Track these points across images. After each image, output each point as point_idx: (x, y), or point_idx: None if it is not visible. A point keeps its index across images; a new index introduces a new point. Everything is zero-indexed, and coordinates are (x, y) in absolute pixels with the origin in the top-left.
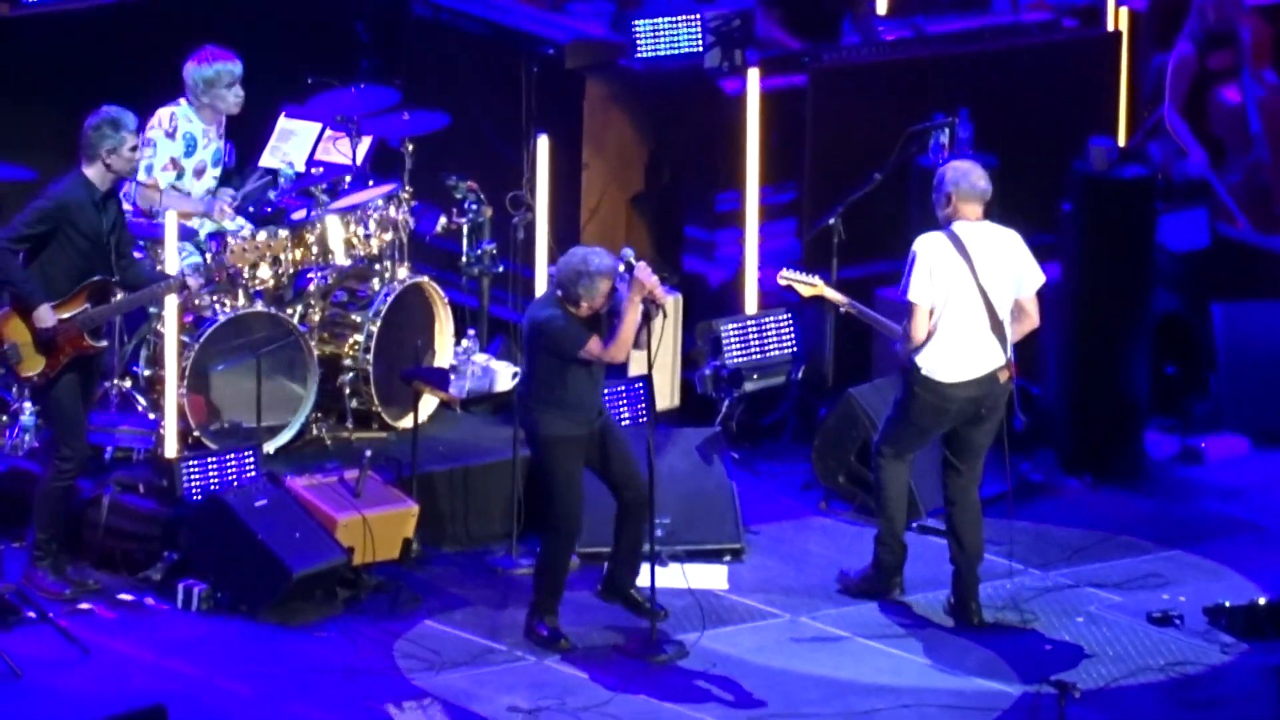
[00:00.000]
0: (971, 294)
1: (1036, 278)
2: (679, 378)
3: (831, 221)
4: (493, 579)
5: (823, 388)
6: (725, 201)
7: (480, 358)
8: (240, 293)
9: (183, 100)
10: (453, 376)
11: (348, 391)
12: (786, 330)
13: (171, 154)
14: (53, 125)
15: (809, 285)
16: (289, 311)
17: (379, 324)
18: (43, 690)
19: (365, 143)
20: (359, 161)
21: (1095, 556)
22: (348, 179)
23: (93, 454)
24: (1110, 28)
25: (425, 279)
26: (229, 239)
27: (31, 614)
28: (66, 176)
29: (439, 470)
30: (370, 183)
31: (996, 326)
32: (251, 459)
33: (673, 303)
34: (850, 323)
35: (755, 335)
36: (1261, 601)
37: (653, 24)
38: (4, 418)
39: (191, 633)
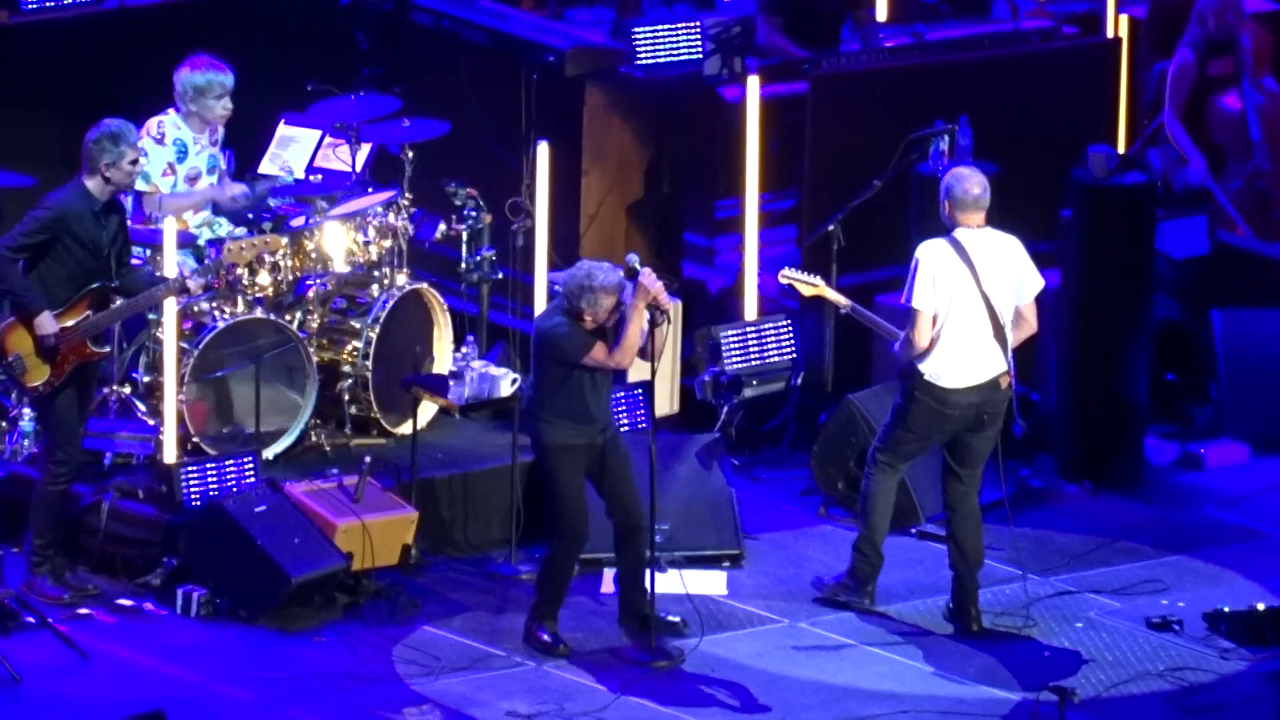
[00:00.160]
0: (974, 300)
1: (1036, 283)
2: (678, 384)
3: (831, 228)
4: (492, 585)
5: (822, 394)
6: (725, 208)
7: (479, 364)
8: (239, 299)
9: (171, 110)
10: (452, 383)
11: (347, 398)
12: (786, 336)
13: (167, 159)
14: (53, 133)
15: (810, 285)
16: (288, 318)
17: (378, 330)
18: (42, 696)
19: (365, 150)
20: (358, 168)
21: (1095, 562)
22: (347, 187)
23: (91, 460)
24: (1110, 35)
25: (424, 285)
26: (229, 241)
27: (31, 619)
28: (66, 186)
29: (438, 476)
30: (370, 189)
31: (998, 332)
32: (251, 465)
33: (672, 309)
34: (850, 328)
35: (755, 341)
36: (1261, 607)
37: (652, 31)
38: (3, 424)
39: (191, 638)
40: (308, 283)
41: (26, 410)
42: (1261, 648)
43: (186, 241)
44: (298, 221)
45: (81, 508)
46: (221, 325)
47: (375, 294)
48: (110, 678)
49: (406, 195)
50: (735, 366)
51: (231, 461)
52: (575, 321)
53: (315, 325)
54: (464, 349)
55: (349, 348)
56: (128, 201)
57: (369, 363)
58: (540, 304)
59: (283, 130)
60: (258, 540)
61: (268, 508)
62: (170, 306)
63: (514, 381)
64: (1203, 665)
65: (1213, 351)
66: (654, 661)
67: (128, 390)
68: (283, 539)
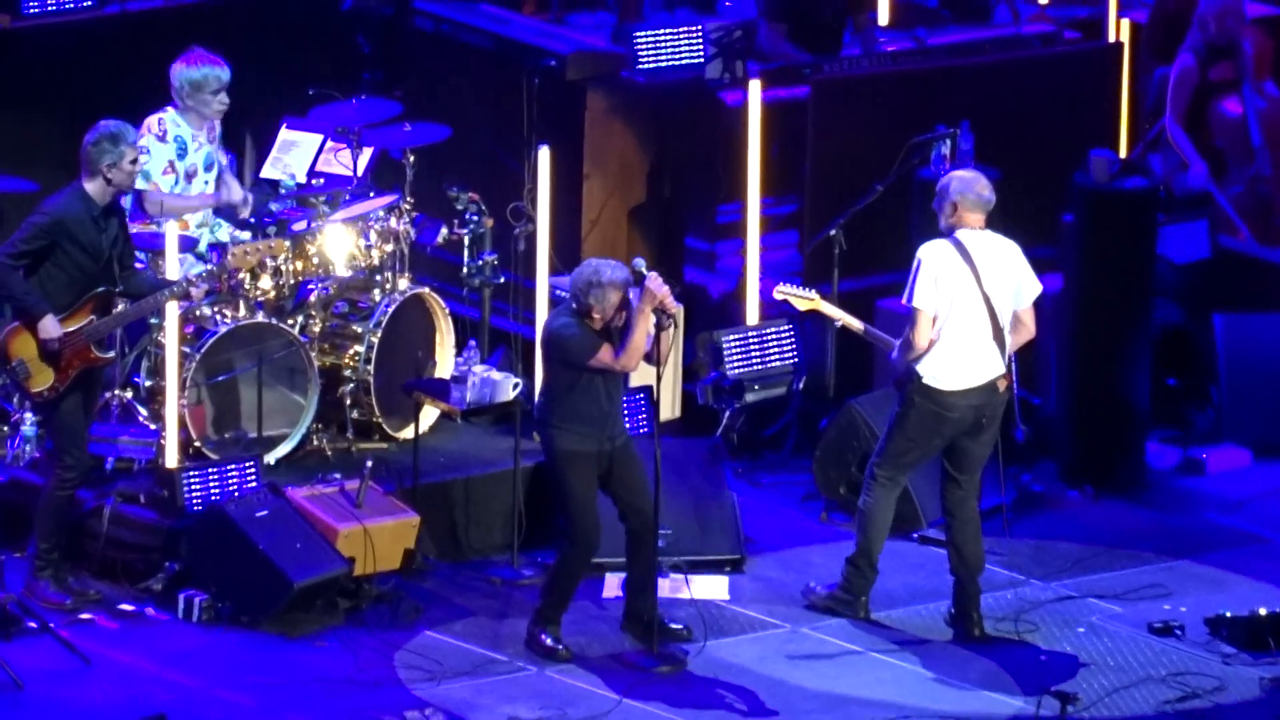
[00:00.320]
0: (975, 302)
1: (1034, 288)
2: (680, 389)
3: (833, 233)
4: (494, 589)
5: (824, 399)
6: (726, 213)
7: (481, 369)
8: (241, 304)
9: (169, 107)
10: (454, 387)
11: (349, 402)
12: (788, 341)
13: (168, 157)
14: (55, 138)
15: (805, 300)
16: (290, 322)
17: (380, 335)
18: (44, 701)
19: (366, 154)
20: (360, 173)
21: (1096, 567)
22: (348, 191)
23: (94, 464)
24: (1111, 40)
25: (426, 290)
26: (229, 246)
27: (33, 624)
28: (64, 191)
29: (440, 481)
30: (371, 194)
31: (998, 335)
32: (252, 469)
33: (678, 313)
34: (852, 334)
35: (756, 346)
36: (1263, 612)
37: (654, 36)
38: (5, 428)
39: (192, 643)
40: (309, 287)
41: (28, 415)
42: (1263, 653)
43: (187, 245)
44: (299, 225)
45: (83, 512)
46: (223, 330)
47: (377, 298)
48: (112, 683)
49: (408, 199)
50: (737, 371)
51: (233, 466)
52: (583, 323)
53: (317, 329)
54: (466, 353)
55: (351, 352)
56: (127, 202)
57: (371, 367)
58: (542, 309)
59: (285, 134)
60: (259, 545)
61: (269, 512)
62: (172, 311)
63: (516, 386)
64: (1204, 670)
65: (1214, 356)
66: (657, 667)
67: (129, 395)
68: (284, 544)
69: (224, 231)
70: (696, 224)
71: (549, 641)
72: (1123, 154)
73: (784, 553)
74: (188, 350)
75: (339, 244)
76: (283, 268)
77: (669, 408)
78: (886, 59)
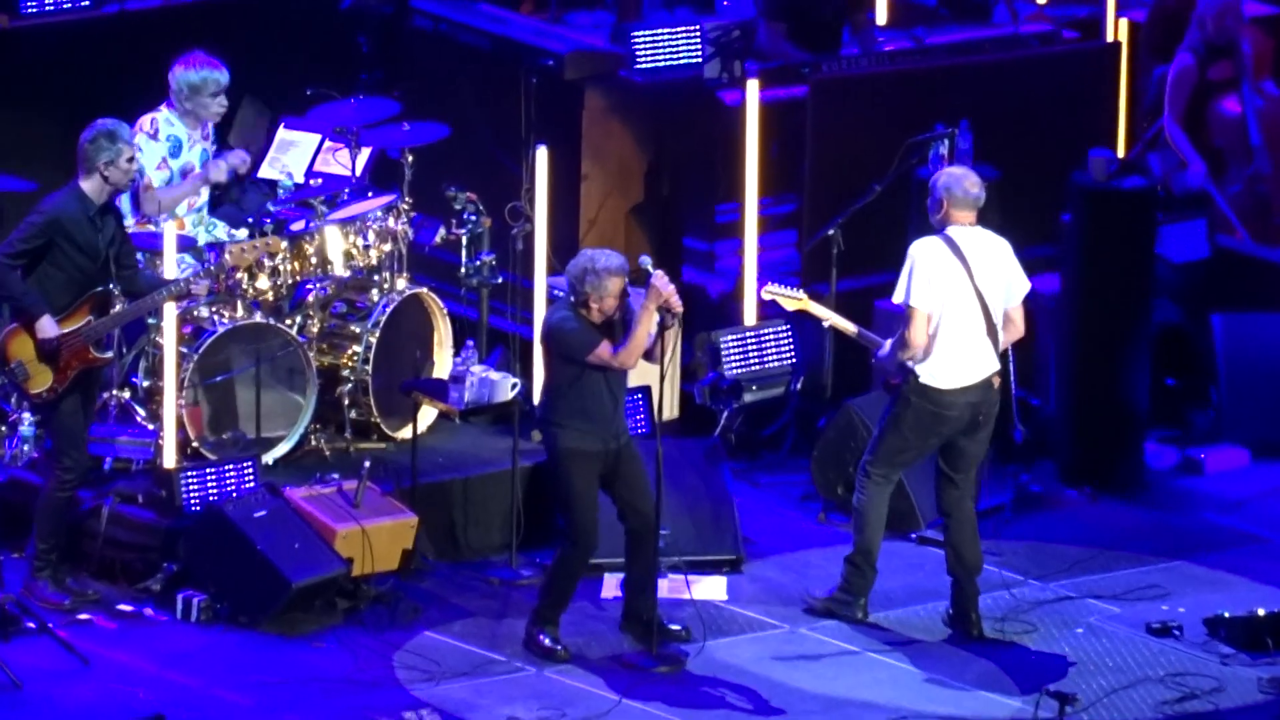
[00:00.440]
0: (969, 299)
1: (1024, 286)
2: (678, 389)
3: (831, 232)
4: (492, 590)
5: (822, 399)
6: (724, 212)
7: (479, 369)
8: (239, 304)
9: (164, 106)
10: (452, 387)
11: (347, 402)
12: (785, 341)
13: (160, 154)
14: (53, 137)
15: (793, 299)
16: (288, 322)
17: (378, 335)
18: (42, 701)
19: (364, 154)
20: (358, 172)
21: (1095, 568)
22: (346, 191)
23: (93, 465)
24: (1110, 39)
25: (424, 290)
26: (228, 245)
27: (31, 625)
28: (61, 190)
29: (438, 481)
30: (369, 194)
31: (991, 332)
32: (250, 470)
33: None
34: (848, 335)
35: (754, 346)
36: (1261, 612)
37: (652, 35)
38: (3, 429)
39: (191, 643)
40: (307, 287)
41: (26, 415)
42: (1262, 653)
43: (185, 244)
44: (297, 225)
45: (82, 512)
46: (221, 330)
47: (375, 298)
48: (110, 683)
49: (406, 199)
50: (735, 371)
51: (231, 466)
52: (583, 316)
53: (315, 329)
54: (464, 353)
55: (349, 352)
56: (124, 202)
57: (369, 367)
58: (540, 308)
59: (283, 134)
60: (258, 545)
61: (267, 513)
62: (170, 311)
63: (514, 386)
64: (1203, 670)
65: (1213, 356)
66: (656, 667)
67: (127, 395)
68: (283, 544)
69: (221, 230)
70: (695, 224)
71: (547, 642)
72: (1121, 153)
73: (782, 553)
74: (186, 350)
75: (337, 244)
76: (281, 268)
77: (668, 408)
78: (885, 58)
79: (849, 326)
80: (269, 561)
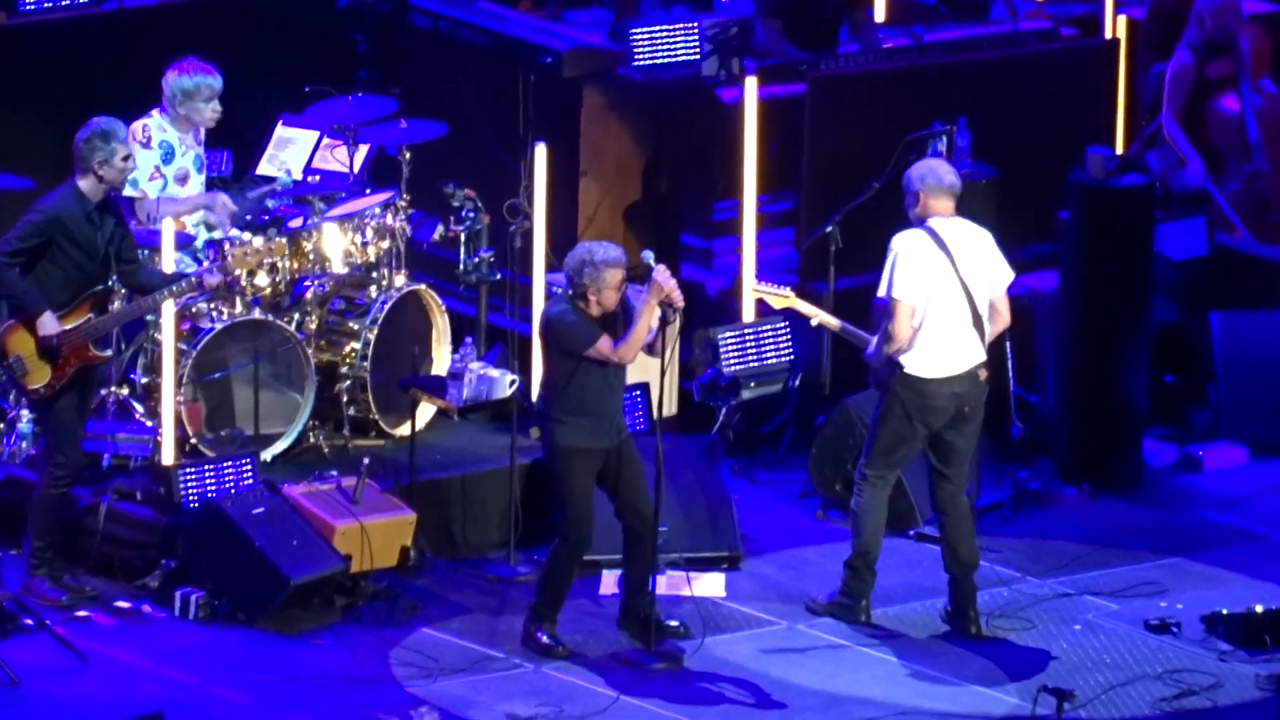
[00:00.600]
0: (954, 289)
1: (1007, 275)
2: (676, 386)
3: (829, 230)
4: (490, 586)
5: (820, 396)
6: (723, 210)
7: (477, 365)
8: (237, 300)
9: (156, 111)
10: (450, 384)
11: (345, 399)
12: (784, 338)
13: (153, 163)
14: (51, 135)
15: (780, 297)
16: (286, 319)
17: (376, 332)
18: (41, 698)
19: (362, 151)
20: (356, 170)
21: (1093, 565)
22: (345, 188)
23: (90, 462)
24: (1108, 36)
25: (422, 287)
26: (226, 245)
27: (29, 622)
28: (59, 189)
29: (437, 478)
30: (368, 191)
31: (977, 322)
32: (249, 466)
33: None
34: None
35: (753, 343)
36: (1259, 609)
37: (650, 33)
38: (1, 425)
39: (189, 640)
40: (306, 284)
41: (24, 412)
42: (1260, 650)
43: (184, 242)
44: (295, 223)
45: (79, 509)
46: (219, 326)
47: (373, 295)
48: (108, 680)
49: (404, 196)
50: (733, 368)
51: (229, 463)
52: (581, 310)
53: (313, 326)
54: (462, 350)
55: (347, 349)
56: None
57: (367, 364)
58: (539, 306)
59: (281, 131)
60: (256, 542)
61: (266, 509)
62: (168, 308)
63: (512, 383)
64: (1201, 667)
65: (1211, 354)
66: (654, 664)
67: (125, 392)
68: (281, 541)
69: (219, 230)
70: (693, 221)
71: (545, 639)
72: (1119, 151)
73: (780, 550)
74: (184, 347)
75: (335, 241)
76: (279, 265)
77: (667, 404)
78: (883, 56)
79: (834, 323)
80: (267, 558)
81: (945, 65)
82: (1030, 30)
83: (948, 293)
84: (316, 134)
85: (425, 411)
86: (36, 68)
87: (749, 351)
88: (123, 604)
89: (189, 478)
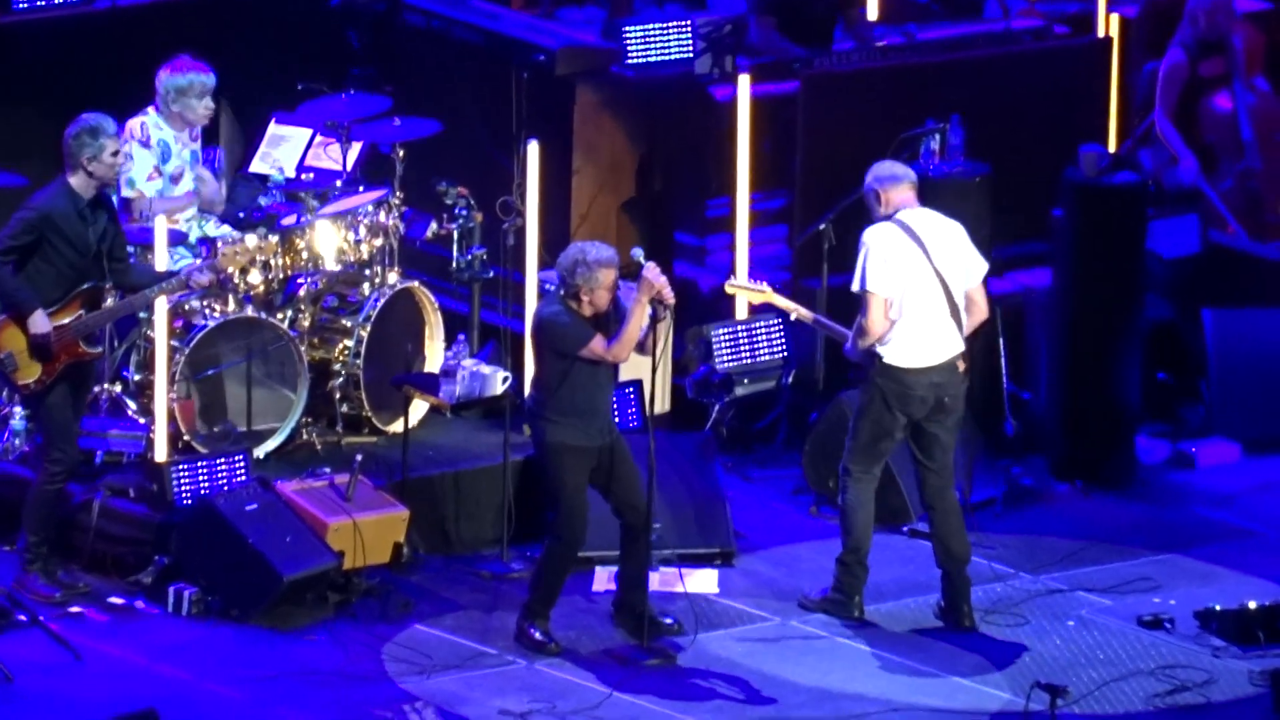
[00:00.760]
0: (929, 279)
1: (982, 267)
2: (669, 382)
3: (822, 227)
4: (483, 583)
5: (813, 392)
6: (716, 207)
7: (470, 363)
8: (230, 298)
9: (150, 109)
10: (443, 381)
11: (338, 396)
12: (777, 335)
13: (152, 162)
14: (44, 133)
15: (757, 292)
16: (279, 316)
17: (369, 329)
18: (34, 694)
19: (355, 148)
20: (349, 167)
21: (1086, 561)
22: (339, 184)
23: (83, 458)
24: (1101, 34)
25: (416, 284)
26: (218, 243)
27: (23, 618)
28: (50, 186)
29: (430, 475)
30: (361, 188)
31: (954, 312)
32: (242, 463)
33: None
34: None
35: (746, 340)
36: (1252, 605)
37: (644, 30)
38: None
39: (182, 637)
40: (299, 281)
41: (17, 409)
42: (1253, 646)
43: (176, 239)
44: (288, 220)
45: (73, 506)
46: (212, 324)
47: (366, 292)
48: (102, 676)
49: (397, 194)
50: (726, 365)
51: (223, 460)
52: (574, 310)
53: (306, 324)
54: (455, 348)
55: (340, 346)
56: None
57: (360, 361)
58: (531, 303)
59: (274, 129)
60: (249, 539)
61: (259, 506)
62: (161, 305)
63: (505, 380)
64: (1194, 663)
65: (1204, 351)
66: (647, 660)
67: (119, 389)
68: (274, 538)
69: (211, 225)
70: (686, 219)
71: (538, 635)
72: (1112, 149)
73: (774, 546)
74: (177, 344)
75: (328, 238)
76: (272, 262)
77: (659, 401)
78: (877, 54)
79: (810, 316)
80: (260, 555)
81: (939, 63)
82: (1023, 28)
83: (923, 283)
84: (310, 132)
85: (418, 408)
86: (29, 66)
87: (742, 348)
88: (116, 600)
89: (182, 474)
